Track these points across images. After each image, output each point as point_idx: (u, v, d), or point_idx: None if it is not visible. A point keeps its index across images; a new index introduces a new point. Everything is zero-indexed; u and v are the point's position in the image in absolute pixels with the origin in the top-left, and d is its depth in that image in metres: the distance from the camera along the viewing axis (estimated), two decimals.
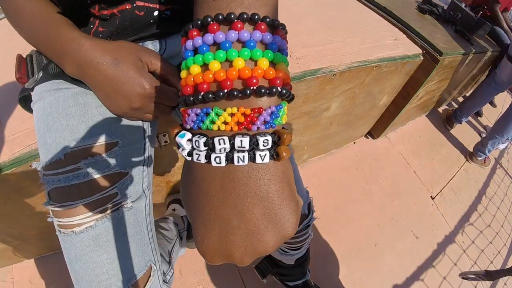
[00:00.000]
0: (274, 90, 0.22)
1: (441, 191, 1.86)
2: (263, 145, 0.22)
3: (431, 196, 1.80)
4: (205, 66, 0.23)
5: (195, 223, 0.26)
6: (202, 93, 0.22)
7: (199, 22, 0.23)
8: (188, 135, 0.23)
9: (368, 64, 1.07)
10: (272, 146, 0.23)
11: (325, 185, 1.56)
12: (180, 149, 0.24)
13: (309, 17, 1.17)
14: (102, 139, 0.46)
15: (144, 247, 0.49)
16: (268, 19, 0.23)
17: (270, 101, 0.23)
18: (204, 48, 0.22)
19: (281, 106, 0.23)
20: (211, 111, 0.22)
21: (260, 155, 0.22)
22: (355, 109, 1.41)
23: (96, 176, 0.44)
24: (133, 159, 0.50)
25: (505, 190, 2.19)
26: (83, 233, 0.44)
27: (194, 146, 0.23)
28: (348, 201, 1.59)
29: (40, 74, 0.49)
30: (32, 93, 0.51)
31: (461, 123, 2.51)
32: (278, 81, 0.23)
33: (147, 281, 0.49)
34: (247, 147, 0.22)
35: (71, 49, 0.40)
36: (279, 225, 0.24)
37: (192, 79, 0.23)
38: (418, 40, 1.47)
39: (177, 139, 0.24)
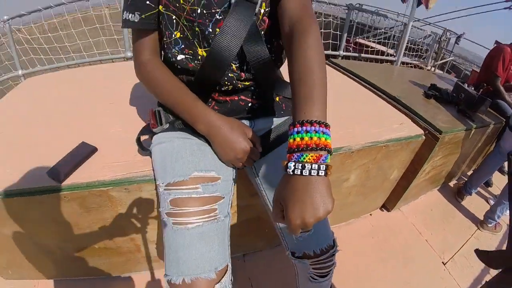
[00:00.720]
0: (325, 148, 0.53)
1: (452, 257, 1.98)
2: (322, 168, 0.51)
3: (442, 262, 1.92)
4: (301, 137, 0.53)
5: (289, 204, 0.53)
6: (301, 147, 0.53)
7: (300, 121, 0.55)
8: (292, 163, 0.53)
9: (378, 144, 1.36)
10: (325, 169, 0.52)
11: (343, 250, 1.74)
12: (289, 169, 0.53)
13: (338, 109, 1.53)
14: (212, 173, 0.76)
15: (225, 250, 0.74)
16: (324, 122, 0.55)
17: (324, 152, 0.53)
18: (301, 131, 0.54)
19: (327, 155, 0.54)
20: (304, 154, 0.52)
21: (320, 173, 0.51)
22: (369, 182, 1.66)
23: (206, 195, 0.73)
24: (227, 190, 0.79)
25: None
26: (194, 229, 0.69)
27: (296, 167, 0.52)
28: (364, 266, 1.76)
29: (167, 126, 0.83)
30: (154, 137, 0.87)
31: (471, 195, 2.62)
32: (327, 145, 0.53)
33: (224, 274, 0.69)
34: (316, 169, 0.51)
35: (204, 117, 0.74)
36: (326, 204, 0.53)
37: (296, 141, 0.54)
38: (421, 122, 1.74)
39: (289, 164, 0.53)
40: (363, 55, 4.50)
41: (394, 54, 4.86)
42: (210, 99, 0.84)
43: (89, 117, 1.25)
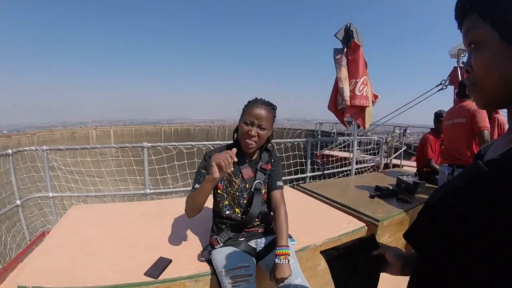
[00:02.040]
0: (287, 254, 1.53)
1: None
2: (285, 262, 1.50)
3: None
4: (279, 251, 1.54)
5: (275, 272, 1.48)
6: (279, 254, 1.53)
7: (279, 246, 1.56)
8: (277, 259, 1.52)
9: (333, 239, 2.21)
10: (287, 261, 1.51)
11: None
12: (277, 260, 1.50)
13: (306, 222, 2.41)
14: (246, 263, 1.56)
15: None
16: (286, 246, 1.56)
17: (287, 255, 1.53)
18: (279, 251, 1.55)
19: (288, 256, 1.53)
20: (281, 256, 1.52)
21: (285, 262, 1.51)
22: None
23: (246, 273, 1.52)
24: (253, 272, 1.57)
25: None
26: None
27: (278, 260, 1.50)
28: None
29: (222, 244, 1.69)
30: (213, 250, 1.69)
31: None
32: (288, 253, 1.54)
33: None
34: (286, 262, 1.51)
35: (204, 182, 1.48)
36: (286, 273, 1.48)
37: (278, 252, 1.54)
38: (364, 217, 2.63)
39: (275, 259, 1.51)
40: (326, 171, 5.57)
41: (349, 157, 6.02)
42: (243, 231, 1.74)
43: (151, 241, 2.01)
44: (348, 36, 4.17)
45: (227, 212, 1.71)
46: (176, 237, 2.09)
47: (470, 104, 2.93)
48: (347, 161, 5.88)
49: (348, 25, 4.15)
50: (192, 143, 4.40)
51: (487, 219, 0.49)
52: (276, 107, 1.67)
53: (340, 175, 5.67)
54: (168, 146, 4.42)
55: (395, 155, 7.25)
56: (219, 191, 1.70)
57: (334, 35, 4.26)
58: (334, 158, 5.70)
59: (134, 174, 5.22)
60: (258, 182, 1.71)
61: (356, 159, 5.37)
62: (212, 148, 1.82)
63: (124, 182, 5.64)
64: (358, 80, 4.17)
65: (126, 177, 5.29)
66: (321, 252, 1.03)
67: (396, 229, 2.90)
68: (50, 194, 3.79)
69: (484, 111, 2.80)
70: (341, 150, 7.76)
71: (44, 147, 3.69)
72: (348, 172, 5.56)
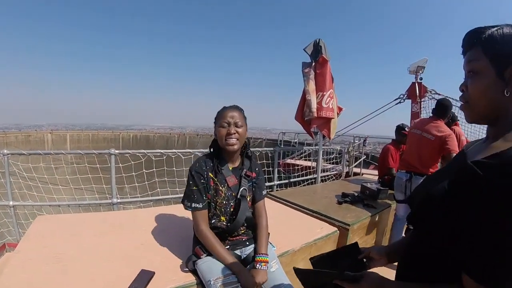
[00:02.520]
0: (266, 261, 1.66)
1: None
2: (264, 268, 1.63)
3: None
4: (259, 259, 1.66)
5: (256, 276, 1.55)
6: (259, 261, 1.65)
7: (259, 254, 1.70)
8: (258, 265, 1.64)
9: (309, 243, 2.35)
10: (265, 268, 1.63)
11: None
12: (258, 266, 1.62)
13: (281, 229, 2.51)
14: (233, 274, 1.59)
15: None
16: (265, 254, 1.70)
17: (266, 262, 1.65)
18: (260, 257, 1.70)
19: (266, 263, 1.65)
20: (261, 263, 1.65)
21: (264, 268, 1.63)
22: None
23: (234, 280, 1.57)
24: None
25: None
26: None
27: (259, 267, 1.62)
28: None
29: (207, 254, 1.70)
30: (198, 259, 1.70)
31: None
32: (266, 260, 1.66)
33: None
34: (264, 268, 1.63)
35: (235, 267, 1.59)
36: (264, 277, 1.58)
37: (258, 260, 1.68)
38: (335, 222, 2.79)
39: (256, 265, 1.63)
40: (292, 179, 5.75)
41: (313, 166, 6.26)
42: (227, 239, 1.76)
43: (128, 253, 1.94)
44: (316, 51, 4.38)
45: (213, 221, 1.75)
46: (154, 248, 2.07)
47: (442, 125, 3.23)
48: (310, 170, 6.09)
49: (317, 40, 4.37)
50: (162, 151, 4.38)
51: (473, 211, 0.66)
52: (243, 109, 1.80)
53: (305, 183, 5.88)
54: (137, 154, 4.31)
55: (355, 164, 7.64)
56: (208, 200, 1.74)
57: (303, 49, 4.46)
58: (299, 167, 5.89)
59: (98, 182, 5.05)
60: (244, 189, 1.76)
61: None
62: (195, 158, 1.91)
63: (88, 190, 5.45)
64: (325, 93, 4.38)
65: (92, 186, 5.09)
66: (310, 259, 1.17)
67: (365, 232, 3.12)
68: (11, 203, 3.56)
69: (453, 135, 3.14)
70: (302, 159, 8.03)
71: (5, 151, 3.47)
72: (313, 180, 5.77)
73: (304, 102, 4.51)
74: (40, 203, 4.23)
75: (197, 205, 1.67)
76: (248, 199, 1.80)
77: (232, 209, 1.75)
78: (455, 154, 3.00)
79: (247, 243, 1.84)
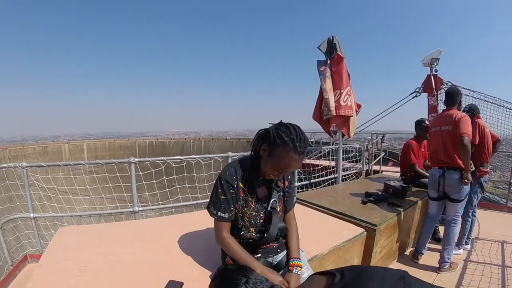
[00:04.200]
0: (300, 266, 1.58)
1: None
2: (299, 272, 1.56)
3: None
4: (294, 263, 1.59)
5: (291, 279, 1.49)
6: (295, 266, 1.57)
7: (293, 258, 1.62)
8: (293, 270, 1.56)
9: (337, 247, 2.29)
10: (300, 273, 1.56)
11: None
12: (295, 271, 1.54)
13: (307, 231, 2.45)
14: None
15: None
16: (298, 258, 1.63)
17: (300, 267, 1.57)
18: (294, 262, 1.61)
19: (301, 267, 1.59)
20: (297, 267, 1.57)
21: (300, 272, 1.56)
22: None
23: None
24: None
25: (479, 277, 3.04)
26: None
27: (294, 271, 1.54)
28: None
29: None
30: None
31: (423, 254, 3.42)
32: (300, 265, 1.58)
33: None
34: (299, 272, 1.56)
35: (259, 267, 1.51)
36: (298, 281, 1.50)
37: (293, 264, 1.59)
38: (361, 223, 2.73)
39: (292, 270, 1.55)
40: (313, 180, 5.69)
41: (334, 166, 6.18)
42: (260, 248, 1.72)
43: (154, 264, 1.90)
44: (331, 49, 4.33)
45: (242, 232, 1.69)
46: (181, 257, 2.03)
47: (455, 112, 3.14)
48: (330, 169, 6.00)
49: (331, 38, 4.32)
50: (181, 157, 4.37)
51: None
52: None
53: (326, 183, 5.79)
54: (156, 161, 4.31)
55: (375, 161, 7.51)
56: (236, 211, 1.66)
57: (318, 47, 4.40)
58: (318, 167, 5.80)
59: (118, 191, 5.09)
60: (274, 200, 1.69)
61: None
62: (225, 165, 1.75)
63: (108, 199, 5.49)
64: (342, 91, 4.32)
65: (113, 195, 5.12)
66: None
67: (391, 232, 3.03)
68: (32, 215, 3.58)
69: (468, 118, 3.01)
70: (320, 159, 7.94)
71: (24, 164, 3.49)
72: (334, 180, 5.69)
73: (321, 100, 4.45)
74: (61, 213, 4.23)
75: (223, 214, 1.60)
76: (278, 209, 1.72)
77: (261, 221, 1.68)
78: (467, 138, 3.04)
79: (278, 250, 1.78)
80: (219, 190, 1.60)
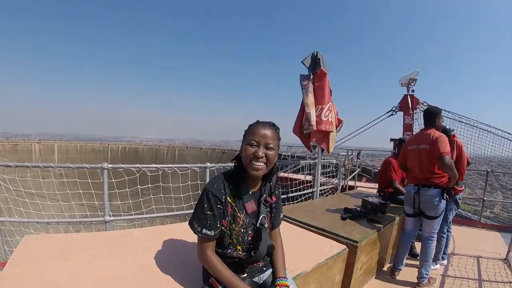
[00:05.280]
0: (286, 285, 1.55)
1: None
2: None
3: None
4: (279, 283, 1.55)
5: None
6: (280, 286, 1.54)
7: (278, 278, 1.59)
8: None
9: (320, 264, 2.23)
10: None
11: None
12: None
13: (288, 249, 2.39)
14: None
15: None
16: (284, 277, 1.60)
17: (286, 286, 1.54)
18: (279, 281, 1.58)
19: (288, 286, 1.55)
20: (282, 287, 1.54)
21: None
22: (323, 286, 2.46)
23: None
24: None
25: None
26: None
27: None
28: None
29: (222, 286, 1.51)
30: None
31: (401, 269, 3.44)
32: (286, 284, 1.55)
33: None
34: None
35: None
36: None
37: (279, 284, 1.56)
38: (343, 240, 2.70)
39: None
40: (290, 194, 5.65)
41: (311, 181, 6.18)
42: (247, 268, 1.61)
43: (128, 280, 1.76)
44: (314, 64, 4.36)
45: (228, 251, 1.56)
46: (157, 275, 1.87)
47: (433, 132, 3.21)
48: (307, 184, 5.99)
49: (315, 53, 4.35)
50: (157, 166, 4.23)
51: None
52: (279, 128, 1.59)
53: (303, 197, 5.77)
54: (131, 168, 4.13)
55: (350, 176, 7.60)
56: (222, 227, 1.53)
57: (301, 61, 4.42)
58: (296, 181, 5.79)
59: (88, 197, 4.83)
60: (263, 216, 1.59)
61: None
62: (212, 177, 1.63)
63: (78, 205, 5.22)
64: (324, 106, 4.35)
65: (83, 202, 4.86)
66: None
67: (371, 248, 3.03)
68: None
69: (445, 138, 3.10)
70: (296, 173, 7.96)
71: None
72: (310, 194, 5.68)
73: (302, 115, 4.45)
74: (28, 219, 3.99)
75: (209, 232, 1.47)
76: (266, 225, 1.62)
77: (250, 238, 1.57)
78: (447, 157, 3.09)
79: (264, 268, 1.69)
80: (205, 205, 1.47)
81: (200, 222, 1.48)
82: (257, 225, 1.56)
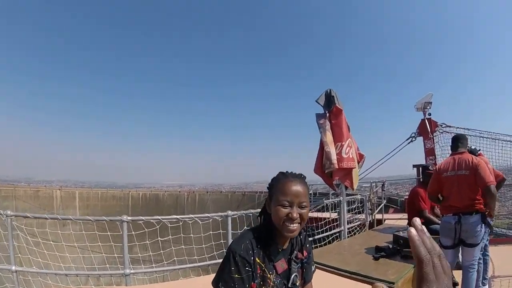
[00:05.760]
0: None
1: None
2: None
3: None
4: None
5: None
6: None
7: None
8: None
9: None
10: None
11: None
12: None
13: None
14: None
15: None
16: None
17: None
18: None
19: None
20: None
21: None
22: None
23: None
24: None
25: None
26: None
27: None
28: None
29: None
30: None
31: None
32: None
33: None
34: None
35: None
36: None
37: None
38: (377, 283, 2.54)
39: None
40: (316, 237, 5.46)
41: (336, 219, 5.96)
42: None
43: None
44: (329, 102, 4.37)
45: None
46: None
47: (469, 156, 3.15)
48: (333, 224, 5.78)
49: (329, 90, 4.37)
50: (178, 217, 4.17)
51: None
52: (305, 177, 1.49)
53: (330, 238, 5.56)
54: (151, 220, 4.06)
55: (377, 210, 7.33)
56: None
57: (316, 101, 4.43)
58: (322, 222, 5.59)
59: (107, 249, 4.74)
60: (295, 275, 1.45)
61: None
62: (240, 239, 1.47)
63: (97, 256, 5.13)
64: (343, 143, 4.30)
65: (102, 255, 4.80)
66: None
67: (407, 287, 2.82)
68: (13, 268, 3.30)
69: (484, 164, 3.06)
70: (320, 212, 7.73)
71: (9, 212, 3.27)
72: (338, 234, 5.48)
73: (322, 154, 4.40)
74: (46, 270, 3.92)
75: None
76: (298, 283, 1.48)
77: None
78: (493, 186, 2.96)
79: None
80: (232, 268, 1.32)
81: (226, 284, 1.31)
82: (289, 285, 1.43)
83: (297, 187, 1.35)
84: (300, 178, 1.42)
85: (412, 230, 0.57)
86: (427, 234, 0.58)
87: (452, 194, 3.21)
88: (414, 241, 0.55)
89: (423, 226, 0.57)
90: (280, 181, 1.39)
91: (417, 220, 0.57)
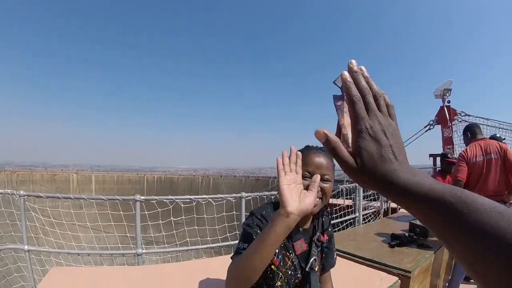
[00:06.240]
0: None
1: None
2: None
3: None
4: None
5: None
6: None
7: None
8: None
9: None
10: None
11: None
12: None
13: (338, 282, 2.18)
14: None
15: None
16: None
17: None
18: None
19: None
20: None
21: None
22: None
23: None
24: None
25: None
26: None
27: None
28: None
29: None
30: None
31: None
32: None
33: None
34: None
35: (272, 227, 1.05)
36: None
37: None
38: (394, 271, 2.44)
39: None
40: (332, 222, 5.35)
41: (351, 205, 5.90)
42: None
43: None
44: None
45: None
46: None
47: (495, 142, 3.18)
48: (349, 210, 5.70)
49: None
50: (191, 197, 4.12)
51: None
52: None
53: (344, 224, 5.48)
54: (164, 200, 4.02)
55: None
56: (272, 266, 1.26)
57: (333, 82, 4.21)
58: (338, 207, 5.50)
59: (120, 229, 4.79)
60: (314, 259, 1.34)
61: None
62: (257, 206, 1.39)
63: (110, 236, 5.18)
64: None
65: (115, 234, 4.83)
66: None
67: (424, 277, 2.76)
68: (26, 247, 3.31)
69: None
70: (335, 198, 7.62)
71: (22, 192, 3.26)
72: (352, 220, 5.40)
73: (339, 137, 4.25)
74: (58, 249, 3.95)
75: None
76: (316, 268, 1.37)
77: (296, 281, 1.31)
78: None
79: None
80: (254, 223, 1.21)
81: (246, 239, 1.16)
82: (306, 268, 1.32)
83: (320, 159, 1.25)
84: (326, 151, 1.29)
85: (345, 72, 0.52)
86: (365, 74, 0.52)
87: (480, 179, 3.21)
88: (345, 82, 0.51)
89: (362, 67, 0.51)
90: (303, 152, 1.24)
91: (353, 62, 0.51)
